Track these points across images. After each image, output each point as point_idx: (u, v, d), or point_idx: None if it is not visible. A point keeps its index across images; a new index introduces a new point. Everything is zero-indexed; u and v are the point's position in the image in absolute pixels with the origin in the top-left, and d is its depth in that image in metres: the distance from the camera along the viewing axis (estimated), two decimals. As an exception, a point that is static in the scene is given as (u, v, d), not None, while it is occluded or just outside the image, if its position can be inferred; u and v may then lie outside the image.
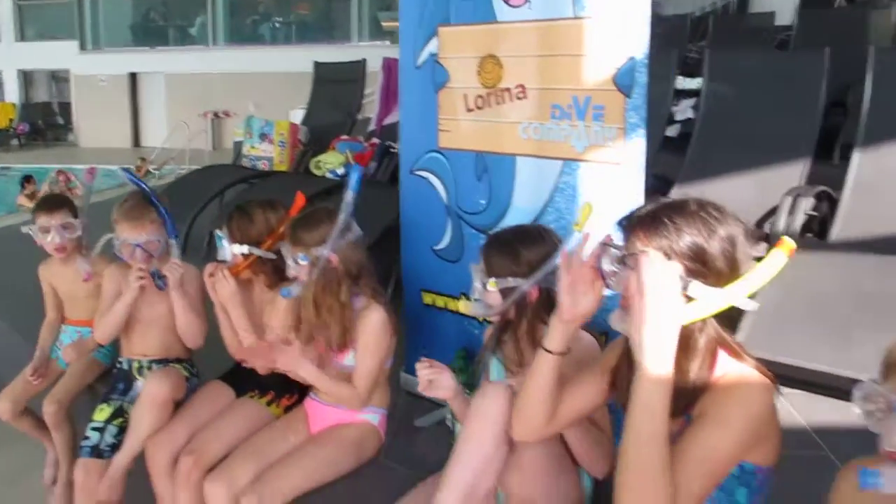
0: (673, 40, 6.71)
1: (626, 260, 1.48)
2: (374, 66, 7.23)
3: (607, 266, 1.53)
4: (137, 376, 2.90)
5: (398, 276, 3.16)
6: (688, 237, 1.44)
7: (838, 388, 2.70)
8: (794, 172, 4.25)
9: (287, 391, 2.70)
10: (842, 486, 1.39)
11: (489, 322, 2.30)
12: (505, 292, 2.03)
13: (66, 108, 20.14)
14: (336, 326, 2.41)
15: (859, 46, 4.36)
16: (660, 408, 1.38)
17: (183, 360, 2.95)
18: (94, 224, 3.12)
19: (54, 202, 3.13)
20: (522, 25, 2.47)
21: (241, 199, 3.78)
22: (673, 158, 4.85)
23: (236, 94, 15.59)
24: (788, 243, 1.46)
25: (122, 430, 2.72)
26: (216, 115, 16.37)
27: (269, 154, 6.56)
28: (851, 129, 4.36)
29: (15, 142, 19.36)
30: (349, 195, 2.39)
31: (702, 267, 1.45)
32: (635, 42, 2.21)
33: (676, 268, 1.42)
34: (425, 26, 2.76)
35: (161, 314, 2.86)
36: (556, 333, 1.65)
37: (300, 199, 2.71)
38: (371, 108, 7.54)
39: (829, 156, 5.03)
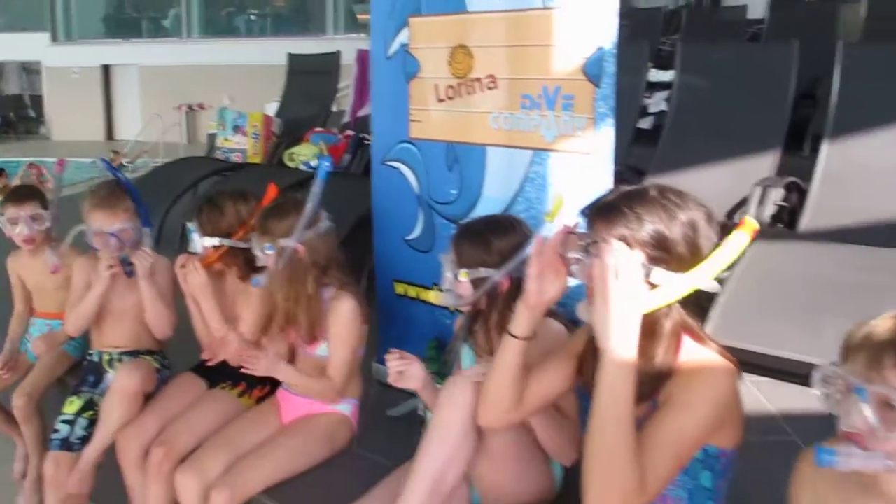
0: (646, 33, 6.74)
1: (589, 248, 1.49)
2: (350, 59, 7.22)
3: (571, 253, 1.54)
4: (108, 368, 2.88)
5: (371, 268, 3.16)
6: (649, 225, 1.46)
7: (804, 375, 2.73)
8: (765, 163, 4.29)
9: (259, 382, 2.69)
10: (802, 466, 1.41)
11: (460, 312, 2.31)
12: (476, 283, 2.03)
13: (37, 100, 19.87)
14: (303, 317, 2.42)
15: (829, 40, 4.42)
16: (624, 393, 1.40)
17: (154, 351, 2.94)
18: (64, 216, 3.09)
19: (23, 193, 3.10)
20: (492, 16, 2.48)
21: (215, 191, 3.76)
22: (646, 150, 4.88)
23: (211, 86, 15.43)
24: (750, 223, 1.47)
25: (93, 423, 2.71)
26: (191, 107, 16.22)
27: (242, 146, 6.54)
28: (821, 121, 4.41)
29: (-14, 135, 19.12)
30: (316, 186, 2.39)
31: (664, 253, 1.46)
32: (604, 32, 2.22)
33: (638, 256, 1.43)
34: (396, 17, 2.76)
35: (132, 305, 2.84)
36: (522, 319, 1.66)
37: (272, 191, 2.69)
38: (346, 101, 7.52)
39: (800, 147, 5.08)
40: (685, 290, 1.47)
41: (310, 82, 7.40)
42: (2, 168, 11.17)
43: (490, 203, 2.54)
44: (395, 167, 2.85)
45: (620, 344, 1.39)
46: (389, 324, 2.98)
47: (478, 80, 2.54)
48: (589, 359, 1.62)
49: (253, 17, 18.57)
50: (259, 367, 2.40)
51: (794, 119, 4.77)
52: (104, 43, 18.87)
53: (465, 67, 2.57)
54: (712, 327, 3.04)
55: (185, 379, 2.80)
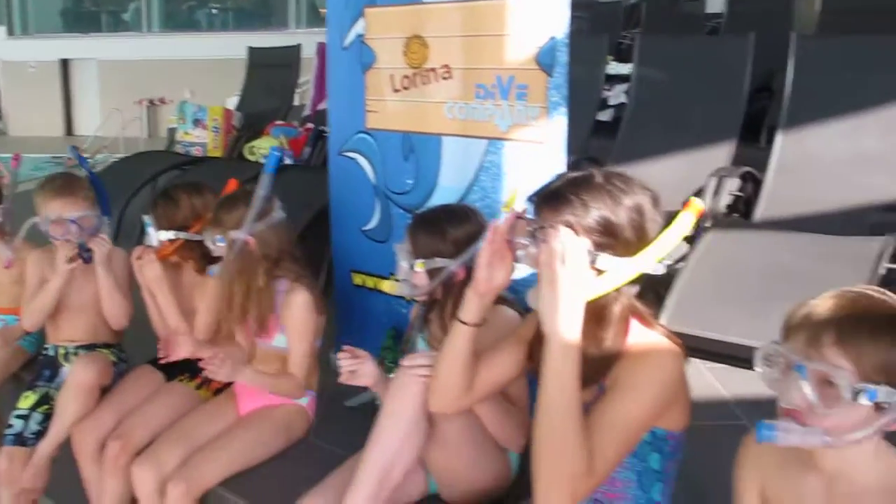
0: (606, 26, 6.79)
1: (536, 234, 1.50)
2: (312, 53, 7.17)
3: (519, 239, 1.56)
4: (64, 362, 2.85)
5: (331, 259, 3.16)
6: (595, 211, 1.47)
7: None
8: (720, 154, 4.35)
9: (217, 374, 2.68)
10: (746, 446, 1.45)
11: (416, 301, 2.32)
12: (432, 273, 2.04)
13: (-7, 96, 19.53)
14: (254, 310, 2.41)
15: (785, 34, 4.46)
16: (570, 377, 1.41)
17: (111, 345, 2.91)
18: (18, 212, 3.05)
19: (-26, 188, 3.05)
20: (447, 6, 2.50)
21: (170, 184, 3.74)
22: (606, 142, 4.92)
23: (172, 81, 15.26)
24: (696, 204, 1.50)
25: (48, 418, 2.69)
26: (151, 102, 16.01)
27: (202, 140, 6.48)
28: (777, 113, 4.46)
29: (-60, 131, 18.73)
30: (265, 178, 2.37)
31: (610, 239, 1.48)
32: (556, 22, 2.25)
33: (584, 243, 1.45)
34: (352, 7, 2.77)
35: (89, 298, 2.81)
36: (472, 306, 1.67)
37: (232, 185, 2.69)
38: (309, 95, 7.47)
39: (757, 139, 5.15)
40: (632, 274, 1.49)
41: (270, 75, 7.35)
42: (-44, 164, 11.03)
43: (446, 192, 2.55)
44: (351, 158, 2.85)
45: (566, 328, 1.40)
46: (347, 314, 2.98)
47: (433, 70, 2.55)
48: (538, 344, 1.63)
49: (214, 12, 18.34)
50: (221, 374, 2.39)
51: (751, 111, 4.83)
52: (62, 37, 18.55)
53: (420, 57, 2.58)
54: (668, 314, 3.09)
55: (143, 372, 2.78)
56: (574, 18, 6.19)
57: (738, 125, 4.46)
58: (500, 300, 1.98)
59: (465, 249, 1.94)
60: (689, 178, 4.08)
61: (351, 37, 2.78)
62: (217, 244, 2.38)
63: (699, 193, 3.90)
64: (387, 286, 2.11)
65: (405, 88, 2.64)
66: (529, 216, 1.57)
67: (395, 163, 2.72)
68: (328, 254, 3.21)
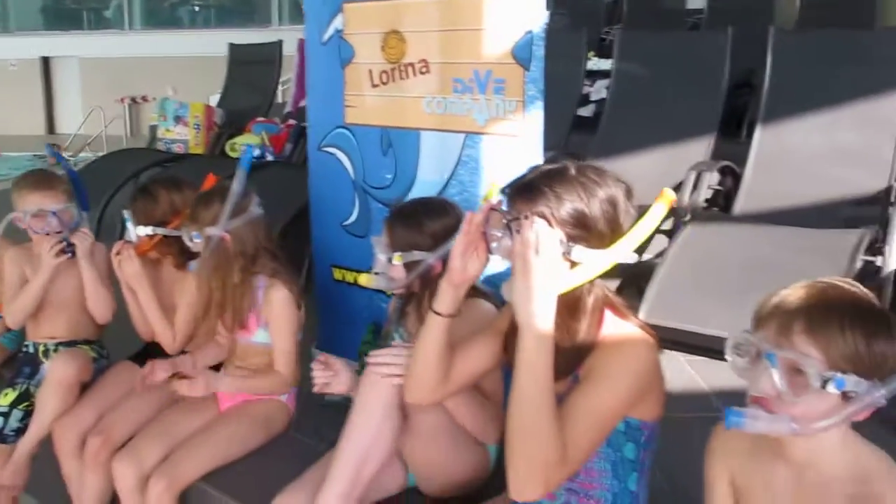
0: (588, 22, 6.80)
1: (511, 225, 1.51)
2: (295, 50, 7.16)
3: (494, 231, 1.57)
4: (44, 359, 2.84)
5: (312, 255, 3.17)
6: (568, 204, 1.49)
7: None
8: (700, 148, 4.38)
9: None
10: (718, 429, 1.47)
11: (393, 295, 2.33)
12: (409, 266, 2.04)
13: (-27, 94, 19.37)
14: (230, 306, 2.42)
15: (766, 29, 4.49)
16: (543, 366, 1.42)
17: (91, 341, 2.91)
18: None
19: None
20: (424, 0, 2.50)
21: (150, 180, 3.72)
22: (587, 137, 4.94)
23: (155, 78, 15.15)
24: (668, 195, 1.51)
25: (28, 415, 2.69)
26: (133, 100, 15.94)
27: (184, 137, 6.48)
28: (756, 108, 4.50)
29: (-80, 130, 18.56)
30: (239, 175, 2.37)
31: (583, 231, 1.49)
32: (533, 16, 2.26)
33: (557, 234, 1.46)
34: (330, 3, 2.77)
35: (70, 295, 2.81)
36: (446, 296, 1.68)
37: (210, 180, 2.68)
38: (290, 93, 7.46)
39: (738, 134, 5.18)
40: (605, 265, 1.50)
41: (252, 72, 7.34)
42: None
43: (425, 187, 2.56)
44: (331, 153, 2.85)
45: (539, 318, 1.41)
46: (328, 309, 2.99)
47: (411, 64, 2.55)
48: (514, 336, 1.64)
49: (196, 9, 18.30)
50: (197, 390, 2.41)
51: (732, 106, 4.87)
52: (43, 34, 18.44)
53: (398, 53, 2.58)
54: (647, 307, 3.11)
55: (123, 368, 2.78)
56: (555, 15, 6.21)
57: (717, 120, 4.49)
58: (477, 293, 1.99)
59: (442, 242, 1.94)
60: (668, 172, 4.11)
61: (330, 32, 2.78)
62: (194, 240, 2.38)
63: (678, 188, 3.93)
64: (363, 279, 2.10)
65: (384, 83, 2.64)
66: (504, 208, 1.58)
67: (374, 157, 2.72)
68: (310, 249, 3.21)
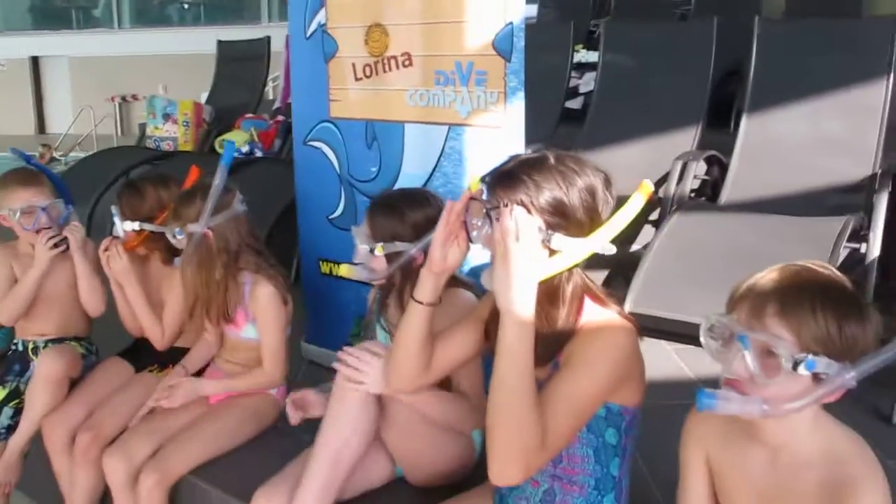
0: (576, 14, 6.80)
1: (490, 213, 1.52)
2: (283, 46, 7.15)
3: (474, 220, 1.58)
4: (34, 357, 2.84)
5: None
6: (547, 192, 1.49)
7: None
8: (686, 138, 4.38)
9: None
10: (693, 413, 1.49)
11: (373, 285, 2.33)
12: (391, 257, 2.04)
13: (-38, 94, 19.29)
14: (214, 302, 2.43)
15: (754, 18, 4.49)
16: (523, 353, 1.43)
17: (81, 338, 2.91)
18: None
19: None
20: (406, -7, 2.51)
21: (137, 176, 3.74)
22: (575, 130, 4.94)
23: (145, 77, 15.19)
24: (647, 186, 1.53)
25: (19, 412, 2.69)
26: (124, 99, 15.93)
27: (173, 134, 6.48)
28: (743, 98, 4.50)
29: None
30: (220, 171, 2.38)
31: (562, 219, 1.50)
32: (512, 7, 2.27)
33: (536, 222, 1.47)
34: (313, -3, 2.78)
35: (60, 291, 2.81)
36: (427, 285, 1.69)
37: (194, 173, 2.69)
38: (279, 89, 7.46)
39: (726, 124, 5.19)
40: (584, 254, 1.51)
41: (240, 69, 7.33)
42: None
43: (409, 179, 2.57)
44: (316, 147, 2.87)
45: (519, 304, 1.42)
46: (316, 302, 3.00)
47: (393, 58, 2.57)
48: (495, 324, 1.66)
49: (186, 6, 18.26)
50: (176, 399, 2.44)
51: (721, 96, 4.87)
52: (32, 34, 18.38)
53: (381, 46, 2.60)
54: (633, 296, 3.12)
55: (112, 364, 2.78)
56: (543, 8, 6.20)
57: (704, 110, 4.49)
58: (457, 283, 2.00)
59: (423, 233, 1.93)
60: (655, 163, 4.11)
61: (313, 26, 2.79)
62: (177, 237, 2.39)
63: (665, 178, 3.94)
64: (343, 270, 2.09)
65: (367, 77, 2.66)
66: (484, 197, 1.59)
67: (358, 151, 2.74)
68: (298, 244, 3.22)
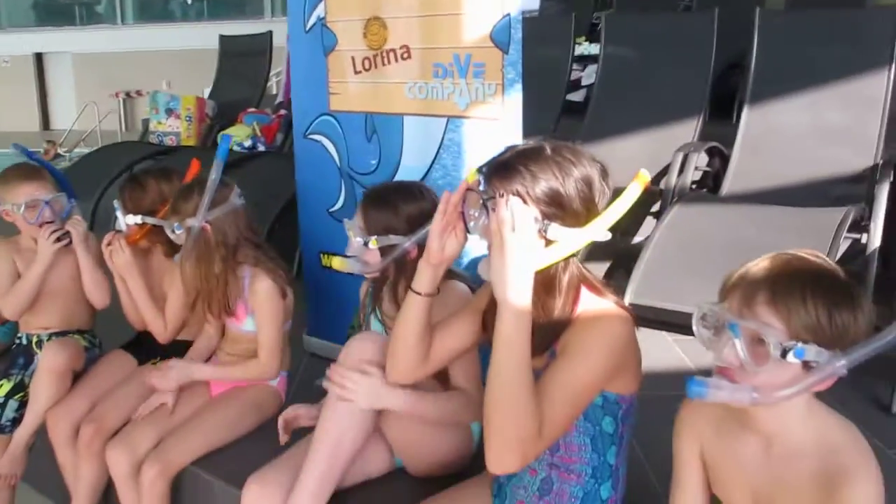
0: (578, 7, 6.80)
1: (487, 204, 1.53)
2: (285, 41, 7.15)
3: (471, 210, 1.59)
4: (37, 350, 2.86)
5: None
6: (543, 182, 1.50)
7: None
8: (688, 130, 4.38)
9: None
10: (686, 402, 1.50)
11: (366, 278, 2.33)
12: (384, 250, 2.03)
13: (-34, 91, 19.33)
14: (214, 295, 2.44)
15: (755, 8, 4.48)
16: (520, 343, 1.44)
17: (84, 331, 2.93)
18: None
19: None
20: (404, -14, 2.52)
21: (139, 170, 3.75)
22: (577, 122, 4.94)
23: (148, 72, 15.21)
24: (643, 176, 1.54)
25: (23, 405, 2.71)
26: (128, 94, 15.95)
27: (176, 129, 6.49)
28: (744, 89, 4.50)
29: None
30: (216, 165, 2.39)
31: (559, 210, 1.51)
32: (509, -1, 2.28)
33: (532, 212, 1.48)
34: (312, -9, 2.78)
35: (65, 284, 2.83)
36: (425, 276, 1.70)
37: (195, 166, 2.71)
38: (281, 84, 7.45)
39: (729, 115, 5.18)
40: (580, 244, 1.52)
41: (242, 63, 7.32)
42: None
43: (409, 171, 2.58)
44: (316, 140, 2.88)
45: (516, 293, 1.43)
46: (318, 295, 3.02)
47: (392, 51, 2.57)
48: (492, 315, 1.66)
49: (189, 2, 18.28)
50: (170, 381, 2.46)
51: (722, 88, 4.86)
52: (36, 30, 18.42)
53: (379, 39, 2.60)
54: (634, 288, 3.12)
55: (115, 356, 2.81)
56: (546, 1, 6.18)
57: (705, 101, 4.49)
58: (452, 275, 2.01)
59: (417, 226, 1.93)
60: (656, 154, 4.12)
61: (312, 20, 2.80)
62: (176, 232, 2.40)
63: (666, 170, 3.94)
64: (336, 263, 2.08)
65: (366, 70, 2.67)
66: (481, 188, 1.60)
67: (358, 144, 2.75)
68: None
